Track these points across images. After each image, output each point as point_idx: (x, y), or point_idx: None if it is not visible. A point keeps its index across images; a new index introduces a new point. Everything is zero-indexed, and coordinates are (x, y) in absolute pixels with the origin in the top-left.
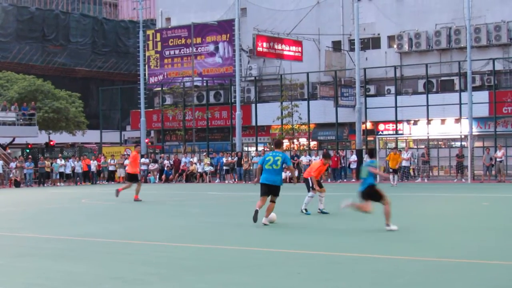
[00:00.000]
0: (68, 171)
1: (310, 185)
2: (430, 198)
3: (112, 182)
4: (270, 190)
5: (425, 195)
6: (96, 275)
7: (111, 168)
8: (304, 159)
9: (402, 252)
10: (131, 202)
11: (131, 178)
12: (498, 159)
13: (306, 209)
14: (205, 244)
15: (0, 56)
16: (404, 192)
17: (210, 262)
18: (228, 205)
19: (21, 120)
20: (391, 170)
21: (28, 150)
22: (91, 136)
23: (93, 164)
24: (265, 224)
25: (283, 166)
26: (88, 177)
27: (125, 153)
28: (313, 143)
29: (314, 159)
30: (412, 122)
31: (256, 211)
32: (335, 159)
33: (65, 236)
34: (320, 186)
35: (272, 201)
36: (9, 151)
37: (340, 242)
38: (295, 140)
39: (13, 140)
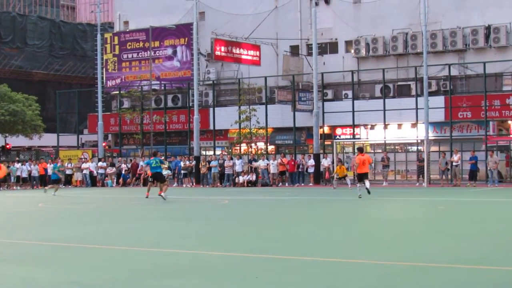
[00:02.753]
0: (25, 174)
1: None
2: (387, 202)
3: (69, 186)
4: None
5: (383, 199)
6: (53, 280)
7: (68, 172)
8: (262, 163)
9: (358, 256)
10: (89, 206)
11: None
12: (454, 164)
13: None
14: (162, 249)
15: None
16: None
17: (167, 266)
18: (185, 209)
19: None
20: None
21: None
22: (48, 140)
23: (50, 168)
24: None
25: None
26: (44, 181)
27: (82, 156)
28: (270, 147)
29: (272, 163)
30: (369, 126)
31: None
32: (292, 163)
33: (22, 240)
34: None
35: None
36: None
37: (298, 247)
38: (253, 144)
39: None
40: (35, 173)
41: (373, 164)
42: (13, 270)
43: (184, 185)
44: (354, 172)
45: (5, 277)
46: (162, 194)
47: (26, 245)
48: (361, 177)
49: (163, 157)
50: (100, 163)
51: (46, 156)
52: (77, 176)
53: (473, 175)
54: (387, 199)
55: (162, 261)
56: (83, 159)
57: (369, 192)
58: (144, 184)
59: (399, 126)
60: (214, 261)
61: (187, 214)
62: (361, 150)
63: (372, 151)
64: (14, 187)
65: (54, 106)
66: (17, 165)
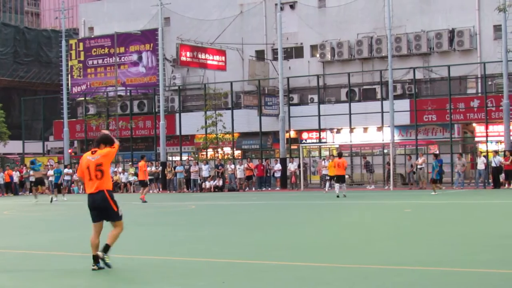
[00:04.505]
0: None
1: None
2: (355, 206)
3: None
4: None
5: (350, 203)
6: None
7: (33, 178)
8: (229, 168)
9: (326, 259)
10: (55, 213)
11: (143, 183)
12: (419, 166)
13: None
14: (131, 255)
15: None
16: (329, 200)
17: (135, 273)
18: (150, 215)
19: None
20: (328, 178)
21: None
22: (13, 147)
23: (16, 175)
24: None
25: None
26: (10, 188)
27: (48, 163)
28: (237, 152)
29: (239, 168)
30: (335, 130)
31: None
32: (261, 167)
33: None
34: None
35: None
36: None
37: (265, 252)
38: (219, 149)
39: None
40: (0, 180)
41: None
42: None
43: (151, 191)
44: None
45: None
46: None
47: None
48: (338, 179)
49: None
50: (66, 170)
51: (11, 163)
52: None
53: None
54: (355, 202)
55: (130, 267)
56: (49, 166)
57: (338, 196)
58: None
59: (365, 129)
60: (180, 266)
61: (153, 219)
62: (340, 154)
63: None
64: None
65: (19, 113)
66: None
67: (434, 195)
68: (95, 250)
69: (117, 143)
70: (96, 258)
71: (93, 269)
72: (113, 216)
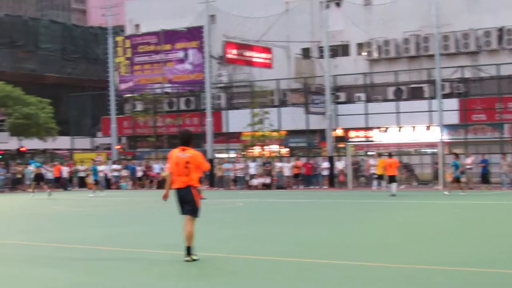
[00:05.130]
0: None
1: None
2: (402, 206)
3: (85, 189)
4: None
5: (398, 202)
6: (70, 282)
7: (81, 174)
8: (276, 165)
9: (373, 259)
10: (104, 209)
11: None
12: (467, 166)
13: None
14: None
15: None
16: (377, 199)
17: (183, 268)
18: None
19: None
20: (376, 176)
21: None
22: (62, 143)
23: (65, 171)
24: None
25: None
26: (60, 182)
27: (95, 159)
28: (284, 150)
29: (286, 166)
30: (383, 129)
31: None
32: (308, 166)
33: (38, 242)
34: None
35: None
36: None
37: (311, 250)
38: (266, 147)
39: None
40: (50, 175)
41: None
42: (31, 272)
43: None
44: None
45: (23, 278)
46: None
47: (42, 247)
48: (390, 180)
49: None
50: (114, 166)
51: (60, 158)
52: (91, 179)
53: (484, 178)
54: (403, 202)
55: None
56: (97, 162)
57: (393, 195)
58: (159, 187)
59: (413, 128)
60: (227, 263)
61: (202, 216)
62: (390, 154)
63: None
64: (29, 190)
65: (67, 109)
66: (32, 168)
67: (448, 195)
68: (189, 242)
69: (207, 166)
70: (189, 250)
71: (187, 260)
72: (193, 211)
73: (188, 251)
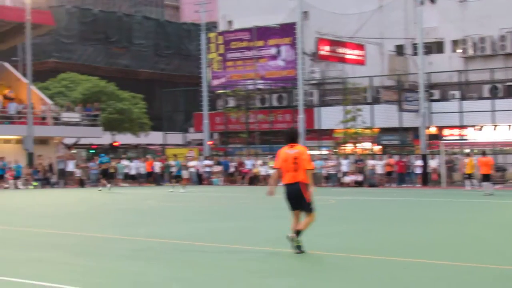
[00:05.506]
0: (133, 172)
1: None
2: (498, 205)
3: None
4: None
5: (492, 202)
6: (164, 276)
7: (173, 169)
8: (369, 163)
9: (468, 259)
10: (197, 203)
11: None
12: None
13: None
14: (275, 247)
15: (65, 58)
16: (471, 198)
17: (281, 265)
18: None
19: (85, 121)
20: (466, 176)
21: (92, 151)
22: (155, 138)
23: (157, 166)
24: None
25: None
26: (152, 178)
27: (188, 154)
28: (377, 148)
29: (379, 163)
30: (478, 127)
31: None
32: (401, 164)
33: (131, 236)
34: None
35: None
36: (74, 151)
37: (401, 248)
38: (358, 144)
39: (78, 140)
40: (142, 170)
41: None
42: (127, 266)
43: None
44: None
45: (118, 272)
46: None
47: (136, 241)
48: (484, 178)
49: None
50: (206, 161)
51: (153, 153)
52: (184, 174)
53: None
54: (498, 202)
55: (274, 261)
56: (189, 157)
57: (489, 194)
58: (251, 183)
59: (509, 127)
60: (319, 260)
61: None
62: (483, 153)
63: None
64: (122, 184)
65: (160, 105)
66: (125, 162)
67: None
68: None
69: (311, 166)
70: (298, 232)
71: (297, 252)
72: (305, 207)
73: (298, 233)
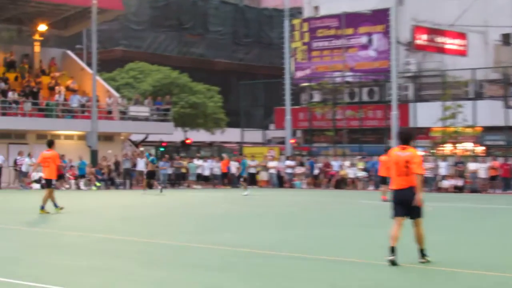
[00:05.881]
0: (207, 173)
1: None
2: None
3: (254, 186)
4: None
5: None
6: None
7: (252, 170)
8: (470, 166)
9: None
10: (276, 208)
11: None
12: None
13: None
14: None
15: (134, 46)
16: None
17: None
18: (379, 216)
19: (155, 116)
20: None
21: (162, 149)
22: (231, 135)
23: (233, 166)
24: None
25: None
26: (227, 179)
27: (268, 154)
28: (480, 149)
29: (482, 167)
30: None
31: None
32: (507, 167)
33: (205, 244)
34: None
35: None
36: (141, 149)
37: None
38: (458, 145)
39: (146, 137)
40: (217, 171)
41: None
42: (200, 276)
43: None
44: None
45: (190, 282)
46: None
47: (210, 250)
48: None
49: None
50: (287, 162)
51: (229, 153)
52: (262, 176)
53: None
54: None
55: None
56: (270, 157)
57: None
58: (337, 187)
59: None
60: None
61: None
62: None
63: None
64: (194, 186)
65: (237, 98)
66: (198, 162)
67: None
68: (393, 242)
69: (422, 171)
70: (393, 250)
71: (390, 260)
72: (418, 211)
73: (422, 252)
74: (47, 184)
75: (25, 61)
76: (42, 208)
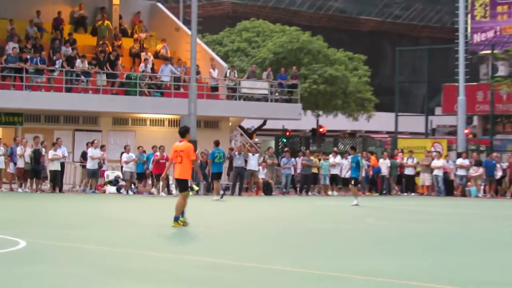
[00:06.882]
0: (345, 173)
1: None
2: None
3: (412, 194)
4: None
5: None
6: None
7: (408, 171)
8: None
9: None
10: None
11: None
12: None
13: None
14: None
15: None
16: None
17: None
18: None
19: (276, 94)
20: None
21: (284, 140)
22: (381, 122)
23: (384, 164)
24: None
25: None
26: (374, 183)
27: (432, 149)
28: None
29: None
30: None
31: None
32: None
33: (340, 272)
34: None
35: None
36: (256, 139)
37: None
38: None
39: (264, 123)
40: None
41: None
42: None
43: None
44: None
45: None
46: None
47: (347, 280)
48: None
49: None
50: (459, 161)
51: (377, 146)
52: (424, 179)
53: None
54: None
55: None
56: (434, 154)
57: None
58: None
59: None
60: None
61: None
62: None
63: None
64: (329, 192)
65: (391, 71)
66: (335, 159)
67: None
68: None
69: None
70: None
71: None
72: None
73: None
74: (181, 187)
75: (99, 17)
76: (176, 219)
